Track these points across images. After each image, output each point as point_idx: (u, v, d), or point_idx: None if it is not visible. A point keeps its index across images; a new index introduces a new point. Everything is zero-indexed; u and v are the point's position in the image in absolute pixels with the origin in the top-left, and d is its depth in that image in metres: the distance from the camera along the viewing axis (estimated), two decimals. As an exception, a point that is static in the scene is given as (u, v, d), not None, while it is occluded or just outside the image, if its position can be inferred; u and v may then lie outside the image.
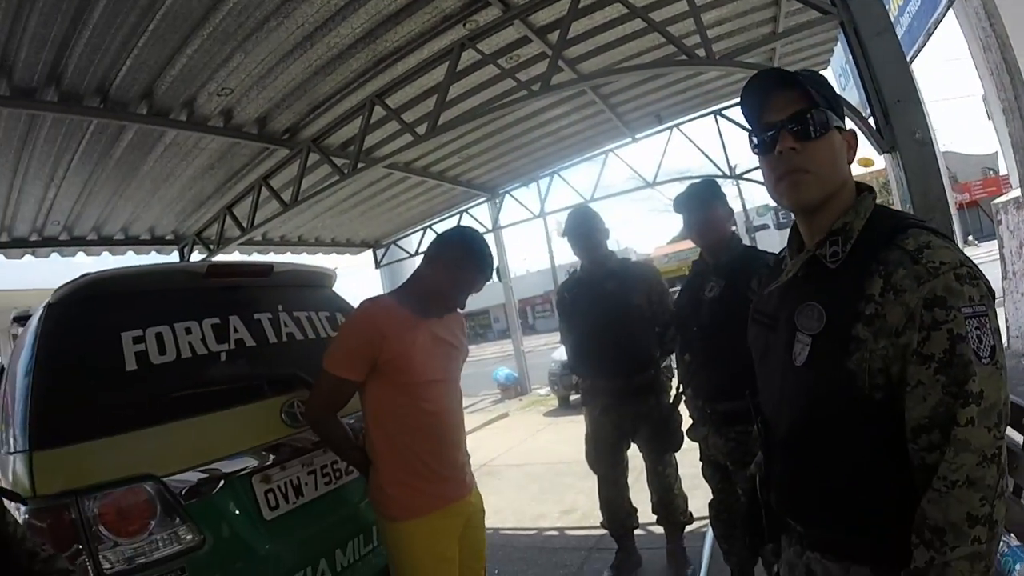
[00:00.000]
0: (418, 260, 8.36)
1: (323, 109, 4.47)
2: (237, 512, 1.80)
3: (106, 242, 6.06)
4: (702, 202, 2.18)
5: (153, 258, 6.83)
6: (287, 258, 7.34)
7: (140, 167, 4.76)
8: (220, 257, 6.01)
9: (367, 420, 1.76)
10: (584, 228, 2.81)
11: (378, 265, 9.83)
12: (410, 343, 1.69)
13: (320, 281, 2.68)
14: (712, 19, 4.40)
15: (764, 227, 32.19)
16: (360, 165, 4.63)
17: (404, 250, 9.65)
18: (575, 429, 2.78)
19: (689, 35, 4.14)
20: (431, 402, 1.73)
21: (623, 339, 2.69)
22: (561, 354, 7.64)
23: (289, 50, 3.64)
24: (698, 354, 2.20)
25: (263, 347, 2.14)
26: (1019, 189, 5.51)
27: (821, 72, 3.69)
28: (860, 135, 1.68)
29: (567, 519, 4.03)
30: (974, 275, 0.83)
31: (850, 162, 1.01)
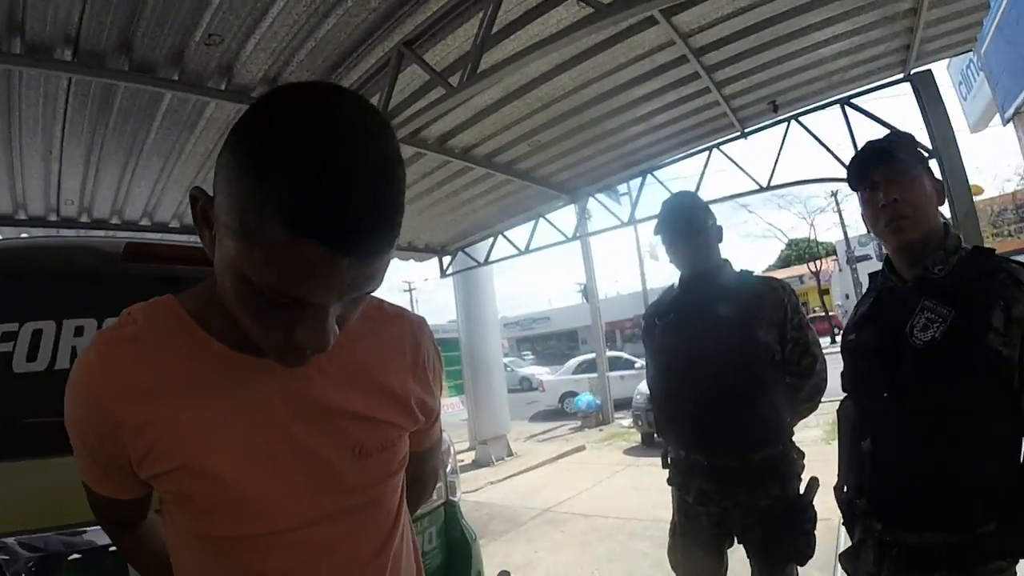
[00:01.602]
0: (485, 270, 7.75)
1: (343, 68, 3.93)
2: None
3: (130, 227, 6.04)
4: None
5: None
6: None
7: (143, 138, 4.54)
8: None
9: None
10: (685, 220, 2.03)
11: (443, 274, 9.33)
12: (207, 433, 0.74)
13: None
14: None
15: (866, 257, 30.23)
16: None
17: (473, 259, 9.06)
18: (656, 476, 2.28)
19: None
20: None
21: (740, 395, 1.89)
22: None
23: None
24: (885, 428, 1.41)
25: None
26: None
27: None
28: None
29: (634, 608, 3.34)
30: None
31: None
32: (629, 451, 8.38)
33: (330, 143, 0.56)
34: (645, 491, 5.63)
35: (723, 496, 1.96)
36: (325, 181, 0.54)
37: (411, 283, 45.48)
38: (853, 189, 1.46)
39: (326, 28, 3.50)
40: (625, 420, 10.35)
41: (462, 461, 9.02)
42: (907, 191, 1.32)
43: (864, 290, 1.58)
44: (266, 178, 0.55)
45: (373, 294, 0.82)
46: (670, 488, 2.16)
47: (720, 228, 2.10)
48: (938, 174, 1.44)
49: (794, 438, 2.03)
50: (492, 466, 8.44)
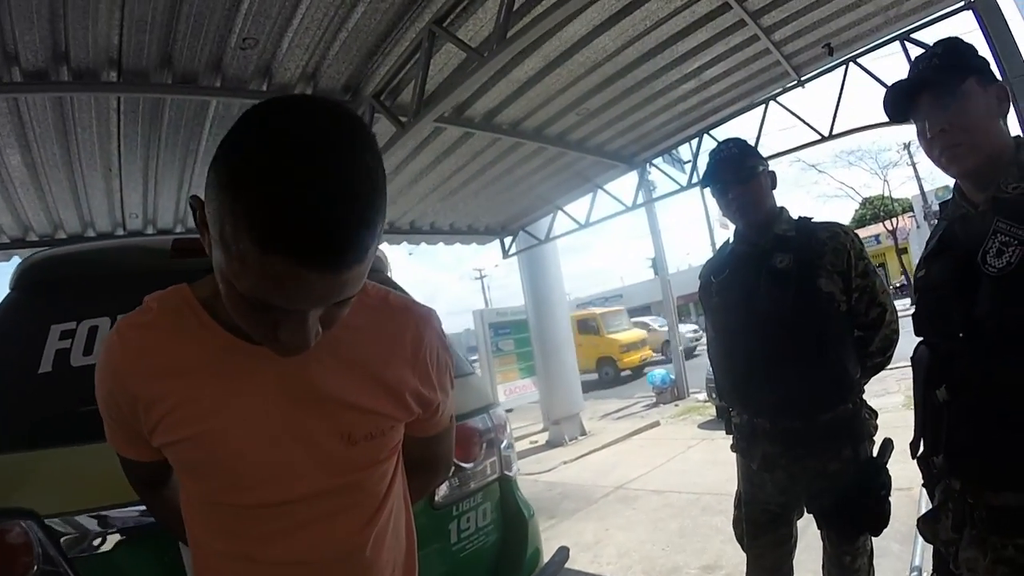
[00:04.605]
0: (549, 248, 7.68)
1: (380, 56, 3.99)
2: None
3: (192, 234, 6.40)
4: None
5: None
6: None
7: (195, 147, 4.77)
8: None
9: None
10: (733, 167, 1.93)
11: (506, 254, 9.38)
12: (210, 410, 0.82)
13: None
14: None
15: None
16: (426, 118, 4.06)
17: (535, 237, 9.04)
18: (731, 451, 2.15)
19: None
20: (276, 547, 0.87)
21: (803, 351, 1.80)
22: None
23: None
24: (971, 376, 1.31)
25: None
26: None
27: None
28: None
29: (707, 582, 3.26)
30: None
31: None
32: (704, 425, 8.15)
33: (295, 161, 0.59)
34: (720, 465, 5.42)
35: (789, 460, 1.86)
36: (290, 199, 0.58)
37: (481, 270, 46.05)
38: (896, 122, 1.34)
39: (356, 17, 3.57)
40: (701, 394, 10.08)
41: (536, 442, 9.11)
42: (956, 115, 1.15)
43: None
44: (237, 196, 0.60)
45: (381, 285, 0.96)
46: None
47: (773, 173, 1.99)
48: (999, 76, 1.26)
49: (873, 403, 1.93)
50: (565, 446, 8.45)
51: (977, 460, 1.15)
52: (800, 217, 1.99)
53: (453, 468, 1.96)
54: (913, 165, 27.85)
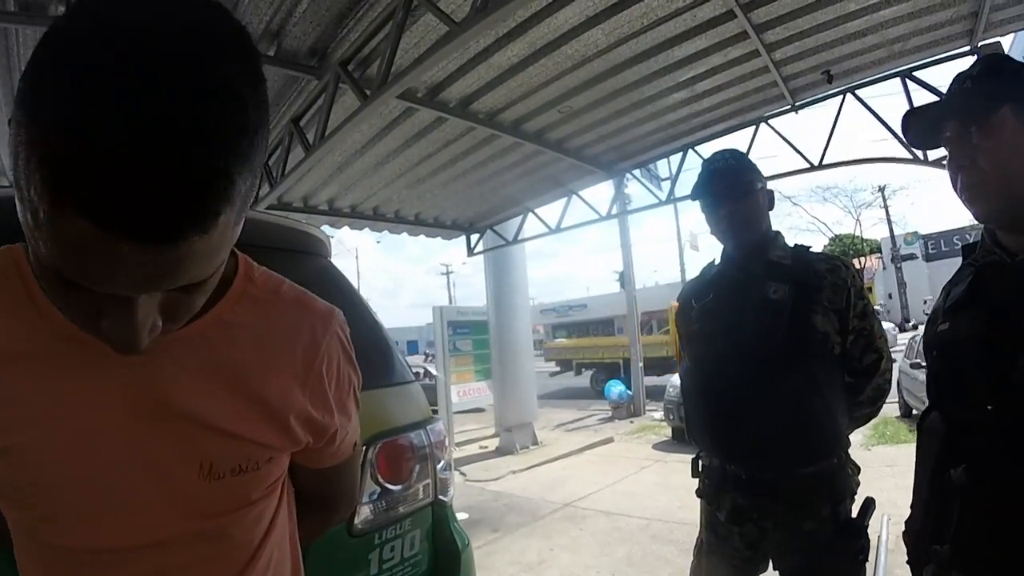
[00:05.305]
0: (516, 251, 7.46)
1: (352, 20, 3.66)
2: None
3: None
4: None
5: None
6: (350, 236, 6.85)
7: None
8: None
9: None
10: (729, 181, 1.70)
11: (471, 252, 9.10)
12: (31, 417, 0.60)
13: (298, 243, 1.87)
14: None
15: (911, 257, 28.99)
16: (389, 91, 3.67)
17: (502, 237, 8.78)
18: (685, 474, 1.99)
19: None
20: None
21: (789, 394, 1.58)
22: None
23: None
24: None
25: None
26: None
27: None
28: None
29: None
30: None
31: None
32: (658, 446, 8.06)
33: (109, 66, 0.39)
34: (672, 490, 5.35)
35: (761, 515, 1.66)
36: (91, 126, 0.38)
37: (448, 266, 45.60)
38: (918, 147, 1.14)
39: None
40: (657, 412, 10.01)
41: (485, 447, 8.86)
42: (982, 150, 0.96)
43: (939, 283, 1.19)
44: (28, 116, 0.40)
45: (276, 273, 0.76)
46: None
47: (771, 192, 1.77)
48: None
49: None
50: (516, 454, 8.24)
51: (994, 559, 0.95)
52: (796, 245, 1.79)
53: (378, 491, 1.69)
54: (886, 208, 28.85)
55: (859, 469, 1.71)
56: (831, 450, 1.63)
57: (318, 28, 3.72)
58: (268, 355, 0.70)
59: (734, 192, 1.69)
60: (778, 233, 1.78)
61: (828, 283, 1.64)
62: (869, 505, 1.64)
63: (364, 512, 1.66)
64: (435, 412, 2.05)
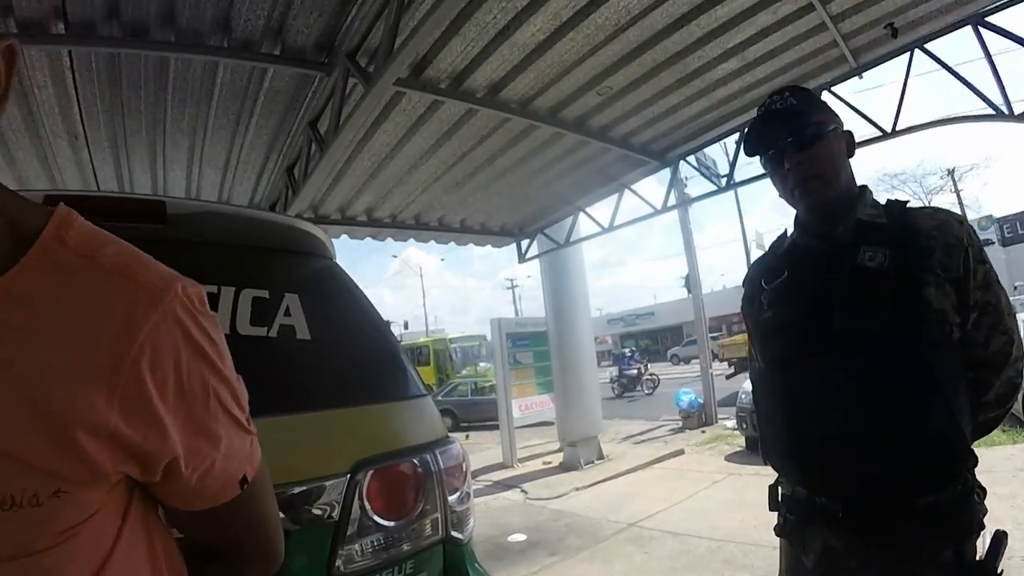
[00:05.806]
0: (573, 256, 7.14)
1: (353, 5, 3.44)
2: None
3: None
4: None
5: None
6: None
7: (162, 114, 4.38)
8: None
9: None
10: (792, 126, 1.31)
11: (522, 259, 8.77)
12: None
13: (296, 243, 1.73)
14: None
15: (987, 243, 26.80)
16: (390, 69, 3.40)
17: (553, 240, 8.39)
18: (760, 488, 1.60)
19: None
20: None
21: (903, 399, 1.20)
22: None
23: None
24: None
25: None
26: None
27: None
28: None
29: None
30: None
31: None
32: (731, 457, 7.53)
33: None
34: (746, 506, 4.84)
35: (862, 561, 1.24)
36: None
37: (513, 280, 45.38)
38: None
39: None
40: (729, 420, 9.52)
41: (549, 463, 8.47)
42: None
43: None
44: None
45: (109, 234, 0.57)
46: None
47: (850, 134, 1.37)
48: None
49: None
50: (580, 470, 7.83)
51: None
52: (890, 200, 1.35)
53: (370, 527, 1.39)
54: (957, 192, 26.66)
55: (985, 492, 1.24)
56: (957, 470, 1.20)
57: (321, 19, 3.53)
58: (55, 343, 0.50)
59: (800, 138, 1.30)
60: (864, 187, 1.36)
61: (939, 243, 1.22)
62: (1000, 541, 1.19)
63: (354, 549, 1.35)
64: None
